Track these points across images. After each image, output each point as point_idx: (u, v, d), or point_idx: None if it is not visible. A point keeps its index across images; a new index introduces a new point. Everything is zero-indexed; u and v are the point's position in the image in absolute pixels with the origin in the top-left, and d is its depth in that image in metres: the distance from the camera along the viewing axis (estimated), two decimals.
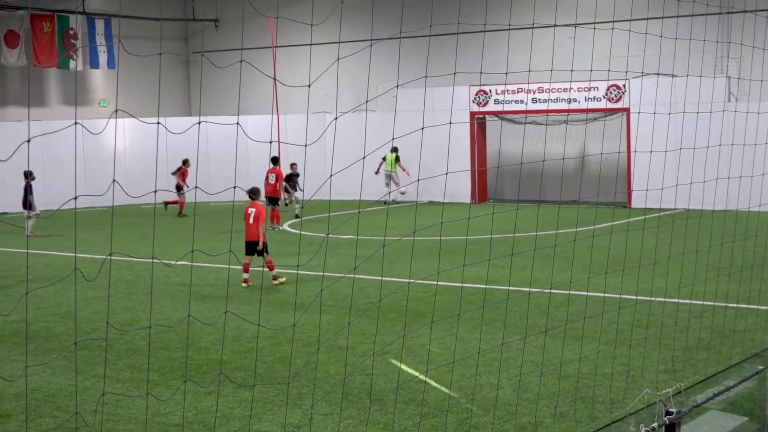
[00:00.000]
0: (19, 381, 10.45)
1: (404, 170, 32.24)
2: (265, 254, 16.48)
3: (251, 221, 16.45)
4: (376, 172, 31.95)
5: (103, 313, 14.30)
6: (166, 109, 40.19)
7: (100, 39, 36.72)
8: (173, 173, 29.50)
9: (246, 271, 16.57)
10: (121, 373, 10.88)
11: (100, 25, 36.81)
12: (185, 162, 29.58)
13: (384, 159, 32.07)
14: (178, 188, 29.05)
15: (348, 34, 36.09)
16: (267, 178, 25.31)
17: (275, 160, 25.66)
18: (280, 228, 24.70)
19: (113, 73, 38.72)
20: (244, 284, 16.53)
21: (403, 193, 31.78)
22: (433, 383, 10.13)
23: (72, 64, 35.98)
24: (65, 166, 31.61)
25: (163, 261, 17.36)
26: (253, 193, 16.93)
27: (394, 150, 31.82)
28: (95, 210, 29.42)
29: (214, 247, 19.09)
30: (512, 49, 31.18)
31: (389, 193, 31.69)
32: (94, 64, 36.86)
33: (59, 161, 31.39)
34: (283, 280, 16.75)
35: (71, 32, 35.76)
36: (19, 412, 9.43)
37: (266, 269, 16.45)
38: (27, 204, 24.69)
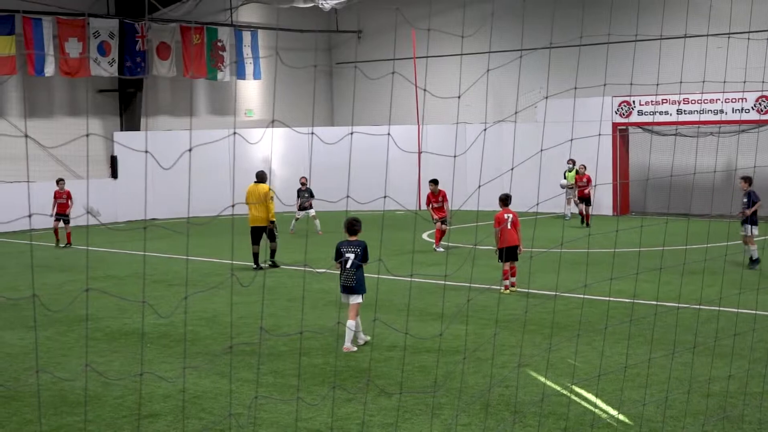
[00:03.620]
0: (167, 382, 10.77)
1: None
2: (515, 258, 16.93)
3: (509, 226, 16.81)
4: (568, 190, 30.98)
5: (247, 318, 14.64)
6: (311, 118, 40.91)
7: (247, 51, 37.63)
8: None
9: (506, 277, 16.88)
10: (264, 378, 11.09)
11: (247, 37, 37.76)
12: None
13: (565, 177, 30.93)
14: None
15: (493, 45, 35.98)
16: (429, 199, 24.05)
17: (436, 182, 24.10)
18: (438, 249, 23.45)
19: (258, 84, 39.66)
20: (504, 290, 16.78)
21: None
22: (574, 397, 9.98)
23: (220, 74, 37.00)
24: (213, 174, 32.43)
25: (316, 270, 17.71)
26: (507, 199, 17.25)
27: (571, 162, 30.51)
28: (243, 217, 30.14)
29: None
30: (658, 59, 30.50)
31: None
32: (241, 75, 37.81)
33: (207, 170, 32.18)
34: (510, 290, 16.92)
35: (219, 44, 36.80)
36: (167, 413, 9.72)
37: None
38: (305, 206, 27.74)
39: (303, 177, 28.86)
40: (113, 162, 33.64)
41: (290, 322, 14.44)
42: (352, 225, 12.61)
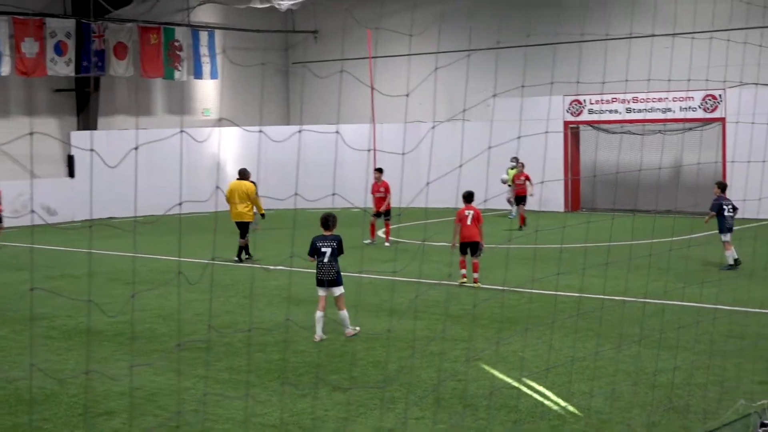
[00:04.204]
0: (123, 380, 10.86)
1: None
2: (478, 254, 17.14)
3: (469, 222, 17.06)
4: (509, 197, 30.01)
5: (203, 316, 14.74)
6: (266, 117, 40.90)
7: (203, 50, 37.58)
8: None
9: (463, 267, 17.23)
10: (220, 374, 11.21)
11: (204, 36, 37.69)
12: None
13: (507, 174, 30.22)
14: None
15: (444, 44, 36.22)
16: (375, 191, 24.28)
17: (380, 170, 24.59)
18: (387, 244, 23.64)
19: (216, 83, 39.64)
20: (462, 279, 17.15)
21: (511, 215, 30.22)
22: (525, 390, 10.20)
23: (177, 74, 36.92)
24: (167, 172, 32.43)
25: (264, 267, 17.84)
26: (470, 196, 17.39)
27: (514, 159, 29.84)
28: (197, 215, 30.14)
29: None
30: (607, 60, 30.91)
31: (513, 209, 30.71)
32: (198, 74, 37.74)
33: (162, 168, 32.13)
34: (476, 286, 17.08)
35: (176, 44, 36.72)
36: (122, 410, 9.80)
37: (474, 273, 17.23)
38: None
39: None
40: (70, 161, 33.49)
41: (246, 319, 14.55)
42: (327, 220, 13.16)
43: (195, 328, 13.96)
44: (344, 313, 13.01)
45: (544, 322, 13.20)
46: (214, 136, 35.47)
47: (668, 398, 9.75)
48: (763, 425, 8.65)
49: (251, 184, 21.27)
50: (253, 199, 21.02)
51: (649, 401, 9.65)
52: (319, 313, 12.91)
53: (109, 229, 26.50)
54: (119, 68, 35.16)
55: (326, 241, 12.93)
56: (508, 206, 30.91)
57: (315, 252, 12.93)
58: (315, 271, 13.07)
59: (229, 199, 21.14)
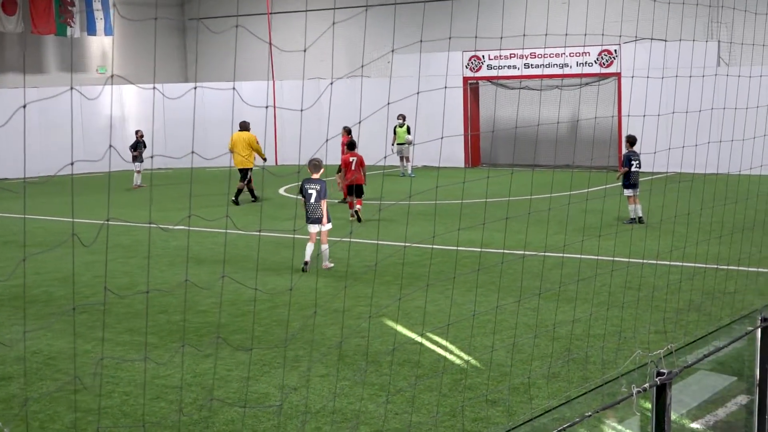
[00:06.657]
0: (19, 345, 10.60)
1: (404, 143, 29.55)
2: (362, 196, 20.02)
3: (353, 167, 19.80)
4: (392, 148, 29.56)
5: (102, 278, 14.45)
6: (163, 75, 40.11)
7: (96, 6, 36.58)
8: None
9: (351, 207, 19.87)
10: (120, 337, 11.03)
11: None
12: None
13: (395, 132, 30.05)
14: None
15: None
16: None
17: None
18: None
19: (110, 40, 38.69)
20: (351, 218, 19.70)
21: (412, 175, 29.92)
22: (428, 345, 10.28)
23: (69, 30, 35.89)
24: (62, 132, 31.71)
25: (160, 225, 17.60)
26: (353, 145, 19.99)
27: (401, 117, 29.75)
28: (93, 175, 29.53)
29: (211, 212, 19.26)
30: (506, 15, 31.11)
31: (404, 167, 30.52)
32: (92, 30, 36.75)
33: (57, 127, 31.49)
34: (355, 210, 19.65)
35: None
36: (20, 375, 9.57)
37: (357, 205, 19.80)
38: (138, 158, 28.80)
39: (139, 130, 29.26)
40: None
41: (146, 280, 14.33)
42: (311, 164, 14.62)
43: (94, 291, 13.69)
44: (325, 247, 14.49)
45: (447, 277, 13.31)
46: (109, 94, 34.71)
47: (568, 350, 9.93)
48: (659, 374, 8.86)
49: (252, 134, 23.40)
50: (255, 147, 23.35)
51: (550, 353, 9.81)
52: (309, 245, 14.42)
53: (1, 191, 25.80)
54: (9, 24, 34.02)
55: (312, 184, 14.36)
56: (401, 164, 30.76)
57: (303, 193, 14.35)
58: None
59: (232, 149, 23.19)
